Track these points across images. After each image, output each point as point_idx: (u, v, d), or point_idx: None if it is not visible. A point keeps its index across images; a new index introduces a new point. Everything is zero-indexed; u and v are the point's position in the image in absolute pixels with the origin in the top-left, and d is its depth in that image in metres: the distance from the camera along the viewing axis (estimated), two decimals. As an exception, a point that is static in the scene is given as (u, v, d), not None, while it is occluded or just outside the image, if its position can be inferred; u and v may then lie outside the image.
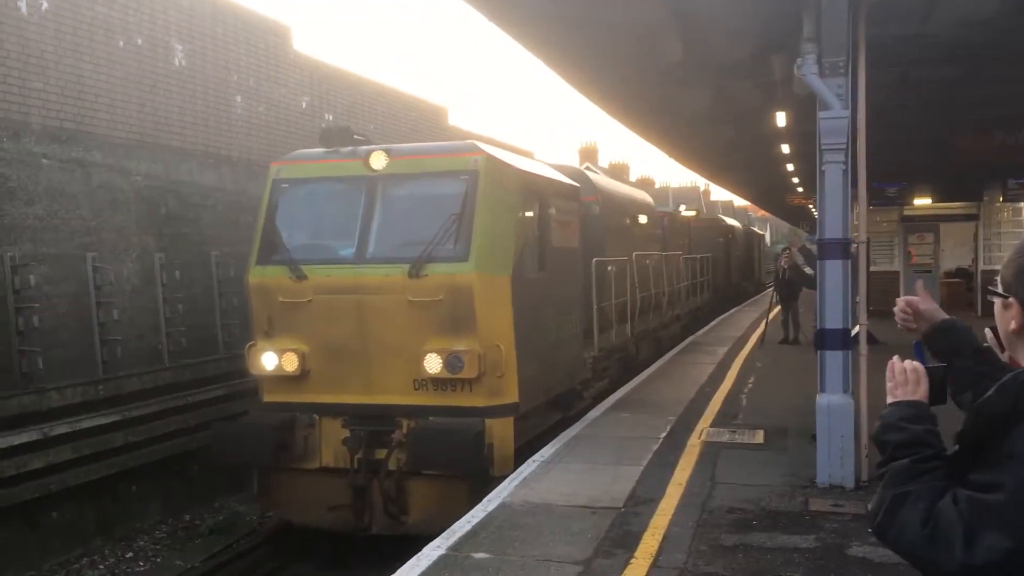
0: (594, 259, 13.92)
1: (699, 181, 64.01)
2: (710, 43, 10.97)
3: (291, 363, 10.26)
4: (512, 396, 10.14)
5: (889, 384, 2.45)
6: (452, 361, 9.78)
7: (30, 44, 12.10)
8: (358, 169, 10.43)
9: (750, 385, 14.65)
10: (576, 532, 7.20)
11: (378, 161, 10.41)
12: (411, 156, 10.45)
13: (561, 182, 12.31)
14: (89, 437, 11.74)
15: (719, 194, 79.17)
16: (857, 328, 8.65)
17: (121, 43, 13.88)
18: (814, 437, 8.63)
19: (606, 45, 11.19)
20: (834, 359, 8.33)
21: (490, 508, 7.98)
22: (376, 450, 10.20)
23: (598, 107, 16.04)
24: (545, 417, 11.57)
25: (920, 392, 2.40)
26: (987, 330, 2.55)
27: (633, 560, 6.55)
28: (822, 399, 8.38)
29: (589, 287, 13.72)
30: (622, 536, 7.11)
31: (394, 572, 6.44)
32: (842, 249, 8.28)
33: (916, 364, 2.44)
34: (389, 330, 10.03)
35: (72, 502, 11.71)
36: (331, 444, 10.36)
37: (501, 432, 9.97)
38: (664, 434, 10.93)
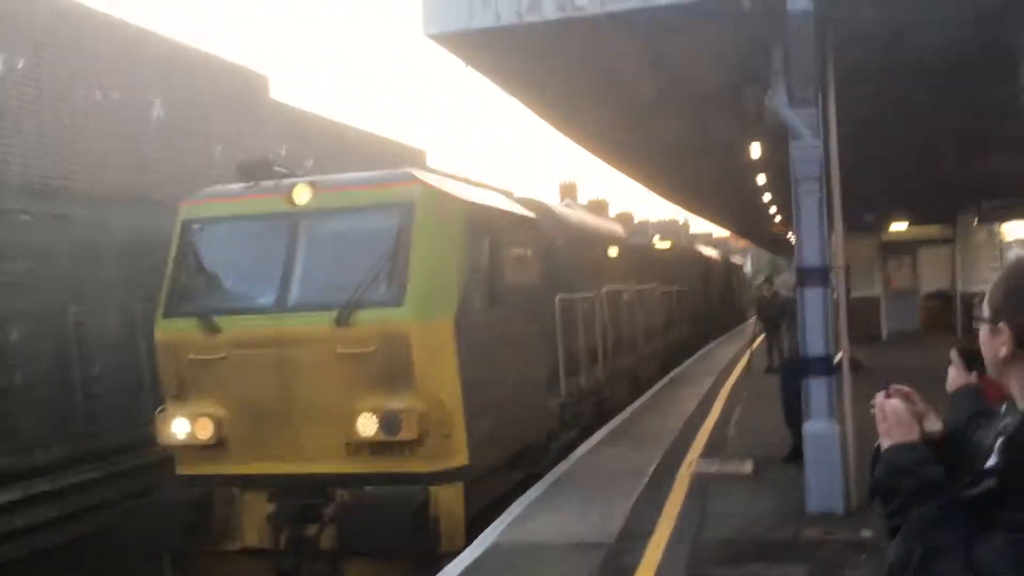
0: (558, 296, 12.65)
1: (679, 215, 64.28)
2: (683, 78, 11.03)
3: (205, 430, 8.89)
4: (461, 458, 8.81)
5: (882, 426, 2.33)
6: (388, 421, 8.44)
7: (7, 100, 12.07)
8: (279, 205, 9.15)
9: (737, 414, 14.40)
10: (568, 571, 7.16)
11: (301, 196, 9.14)
12: (338, 189, 9.18)
13: (515, 213, 11.07)
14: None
15: (699, 226, 78.69)
16: (840, 354, 8.70)
17: (99, 95, 13.69)
18: (788, 459, 9.16)
19: (580, 82, 11.19)
20: (818, 386, 8.31)
21: (480, 550, 7.91)
22: (307, 527, 8.82)
23: (576, 143, 15.93)
24: (505, 477, 10.23)
25: (915, 432, 2.31)
26: (952, 351, 2.66)
27: None
28: (808, 427, 8.36)
29: (553, 327, 12.44)
30: (615, 572, 7.07)
31: None
32: (821, 276, 8.32)
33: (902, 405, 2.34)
34: (316, 387, 8.70)
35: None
36: (255, 521, 8.97)
37: (449, 501, 8.63)
38: (653, 467, 10.76)
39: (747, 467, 10.40)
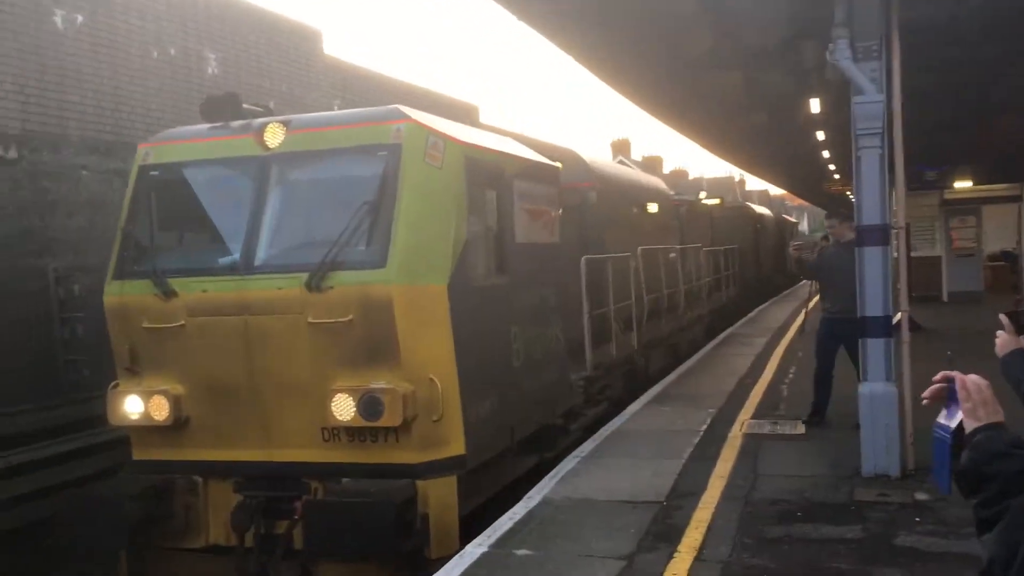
0: (584, 257, 11.22)
1: (734, 172, 63.37)
2: (740, 31, 10.82)
3: (161, 410, 7.67)
4: (455, 446, 7.51)
5: (966, 405, 2.18)
6: (367, 404, 7.15)
7: (66, 58, 12.06)
8: (248, 148, 7.82)
9: (791, 375, 14.14)
10: (618, 527, 7.11)
11: (273, 137, 7.81)
12: (315, 129, 7.82)
13: (531, 160, 9.62)
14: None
15: (755, 184, 76.95)
16: (899, 315, 8.60)
17: (155, 54, 13.68)
18: (856, 426, 8.56)
19: (635, 38, 11.14)
20: (876, 347, 8.22)
21: (531, 505, 7.82)
22: (276, 523, 7.60)
23: (629, 100, 15.70)
24: (512, 466, 8.91)
25: (1001, 412, 2.17)
26: (1001, 315, 2.81)
27: (677, 554, 6.47)
28: (865, 388, 8.29)
29: (579, 292, 11.04)
30: (665, 530, 7.02)
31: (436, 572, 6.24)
32: (881, 235, 8.18)
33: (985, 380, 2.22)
34: (286, 363, 7.42)
35: None
36: (221, 515, 7.76)
37: (440, 497, 7.34)
38: (704, 427, 10.70)
39: (800, 428, 10.33)
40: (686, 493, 8.01)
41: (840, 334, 10.00)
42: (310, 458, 7.52)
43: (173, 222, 8.09)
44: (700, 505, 7.65)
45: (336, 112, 8.26)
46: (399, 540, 6.90)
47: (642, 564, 6.32)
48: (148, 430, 7.83)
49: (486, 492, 8.28)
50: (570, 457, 9.34)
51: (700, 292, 19.66)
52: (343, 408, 7.19)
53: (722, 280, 23.28)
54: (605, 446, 9.91)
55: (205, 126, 8.17)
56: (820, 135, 18.86)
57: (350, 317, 7.16)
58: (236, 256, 7.55)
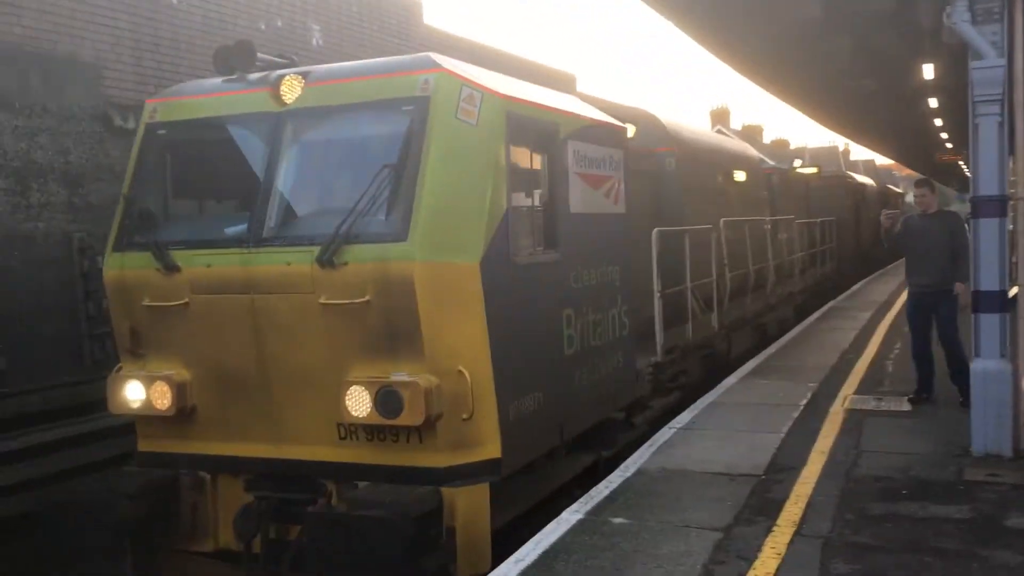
0: (656, 229, 10.05)
1: (839, 141, 61.40)
2: None
3: (163, 398, 6.85)
4: (489, 448, 6.51)
5: None
6: (384, 399, 6.18)
7: (180, 30, 12.52)
8: (262, 104, 6.90)
9: (896, 351, 13.64)
10: (715, 499, 7.00)
11: (290, 91, 6.87)
12: (335, 81, 6.83)
13: (592, 119, 8.47)
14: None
15: (860, 154, 74.16)
16: (1015, 289, 8.25)
17: (263, 26, 14.05)
18: (963, 403, 8.50)
19: (744, 5, 10.97)
20: (990, 322, 7.87)
21: (627, 474, 7.68)
22: (288, 528, 6.74)
23: (731, 68, 15.50)
24: (561, 467, 7.86)
25: None
26: None
27: (775, 528, 6.33)
28: (977, 364, 7.97)
29: (649, 268, 9.90)
30: (763, 504, 6.87)
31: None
32: (998, 207, 7.84)
33: None
34: (296, 348, 6.51)
35: None
36: (231, 516, 6.93)
37: (469, 507, 6.35)
38: (804, 401, 10.43)
39: (905, 404, 9.98)
40: (785, 467, 7.80)
41: (928, 309, 9.71)
42: (325, 457, 6.62)
43: (181, 187, 7.22)
44: (800, 480, 7.44)
45: (363, 62, 7.24)
46: (416, 561, 5.94)
47: (740, 537, 6.18)
48: (152, 420, 7.02)
49: (529, 499, 7.26)
50: (666, 428, 9.22)
51: (792, 268, 18.23)
52: (358, 403, 6.25)
53: (817, 255, 21.71)
54: (701, 418, 9.72)
55: (219, 79, 7.27)
56: (932, 102, 18.35)
57: (367, 298, 6.19)
58: (244, 226, 6.64)
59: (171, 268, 6.71)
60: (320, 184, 6.74)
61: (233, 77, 7.17)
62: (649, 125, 12.12)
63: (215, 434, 6.94)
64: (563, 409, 7.57)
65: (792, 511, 6.69)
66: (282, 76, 6.93)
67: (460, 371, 6.27)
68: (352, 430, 6.48)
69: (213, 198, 7.32)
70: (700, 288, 11.84)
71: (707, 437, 8.87)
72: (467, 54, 19.26)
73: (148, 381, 6.88)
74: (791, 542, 6.06)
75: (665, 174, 12.14)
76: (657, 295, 9.99)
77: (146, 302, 6.82)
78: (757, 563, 5.73)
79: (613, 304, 8.66)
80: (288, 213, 6.63)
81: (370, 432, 6.43)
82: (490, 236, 6.47)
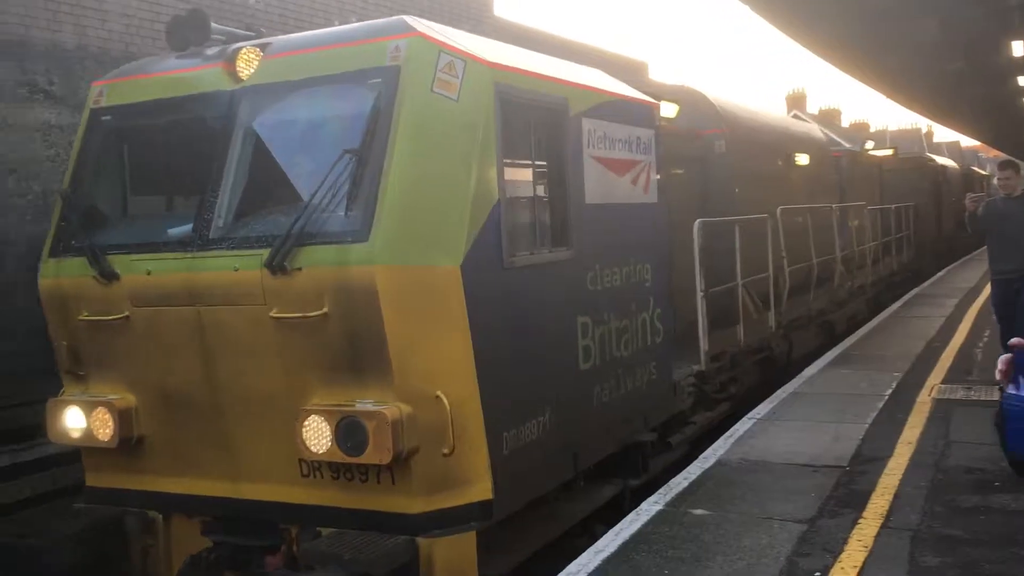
0: (698, 221, 8.83)
1: (922, 123, 59.32)
2: None
3: (104, 427, 5.89)
4: (478, 489, 5.42)
5: None
6: (346, 431, 5.13)
7: (257, 23, 11.85)
8: (215, 81, 5.88)
9: (986, 338, 13.08)
10: (798, 491, 6.77)
11: (246, 65, 5.84)
12: (295, 52, 5.79)
13: (613, 94, 7.29)
14: None
15: (944, 135, 71.53)
16: None
17: (336, 22, 13.76)
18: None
19: None
20: None
21: (706, 465, 7.47)
22: (247, 580, 5.74)
23: (809, 51, 15.11)
24: (576, 501, 6.72)
25: None
26: None
27: (862, 520, 6.09)
28: None
29: (690, 264, 8.70)
30: (848, 495, 6.62)
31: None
32: None
33: None
34: (250, 370, 5.50)
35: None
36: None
37: (451, 560, 5.28)
38: (889, 391, 10.03)
39: (997, 394, 8.94)
40: (871, 458, 7.50)
41: (1012, 295, 9.28)
42: (286, 497, 5.59)
43: (120, 181, 6.24)
44: (886, 471, 7.15)
45: (330, 29, 6.20)
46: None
47: (825, 529, 5.98)
48: (97, 451, 6.07)
49: (536, 542, 6.15)
50: (746, 418, 8.93)
51: (863, 259, 16.74)
52: (317, 436, 5.20)
53: (892, 244, 20.11)
54: (781, 408, 9.39)
55: (172, 57, 6.28)
56: (1022, 80, 17.92)
57: (324, 310, 5.14)
58: (189, 226, 5.64)
59: (109, 276, 5.74)
60: (278, 174, 5.69)
61: (188, 52, 6.17)
62: (696, 104, 10.88)
63: (167, 468, 5.97)
64: (577, 433, 6.44)
65: (879, 503, 6.46)
66: (238, 49, 5.91)
67: (438, 396, 5.18)
68: (315, 467, 5.44)
69: (162, 193, 6.35)
70: (754, 285, 10.57)
71: (788, 428, 8.55)
72: (536, 43, 18.70)
73: (88, 407, 5.93)
74: (878, 535, 5.85)
75: (714, 158, 10.91)
76: (700, 294, 8.77)
77: (83, 316, 5.87)
78: (843, 556, 5.50)
79: (643, 307, 7.49)
80: (240, 210, 5.60)
81: (335, 470, 5.39)
82: (475, 233, 5.36)
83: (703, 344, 8.76)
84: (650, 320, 7.59)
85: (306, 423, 5.21)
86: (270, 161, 5.70)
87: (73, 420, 5.98)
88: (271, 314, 5.24)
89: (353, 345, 5.17)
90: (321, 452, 5.20)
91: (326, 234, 5.15)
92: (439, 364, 5.25)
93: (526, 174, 6.05)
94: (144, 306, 5.69)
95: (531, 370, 5.89)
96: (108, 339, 5.88)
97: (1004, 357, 2.27)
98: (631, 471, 7.30)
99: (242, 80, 5.80)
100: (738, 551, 5.61)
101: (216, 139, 5.72)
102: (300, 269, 5.17)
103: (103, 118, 6.24)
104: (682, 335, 8.90)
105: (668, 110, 9.89)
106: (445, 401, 5.18)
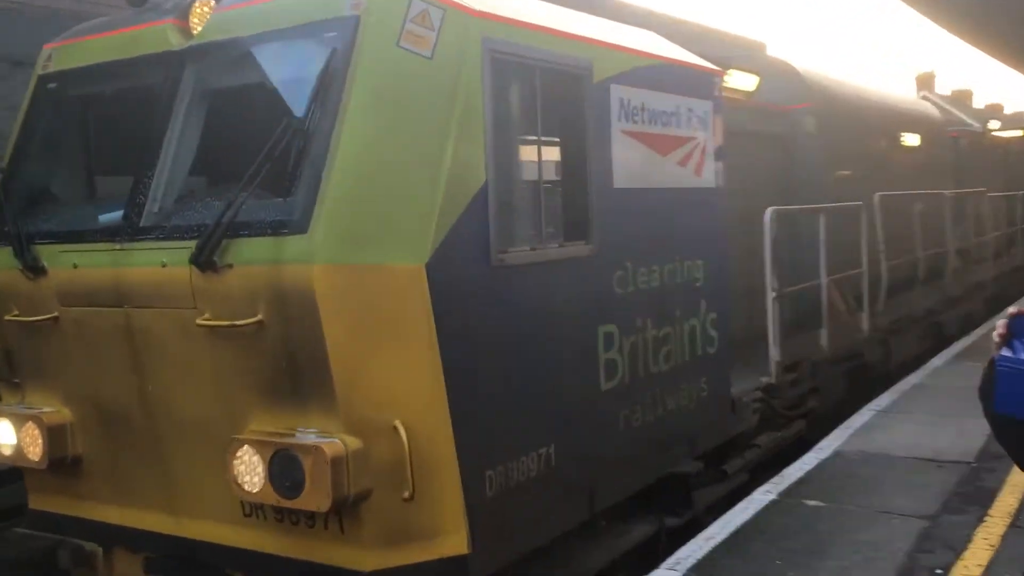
0: (770, 210, 7.56)
1: None
2: None
3: (34, 444, 5.06)
4: (451, 541, 4.38)
5: None
6: (281, 467, 4.15)
7: None
8: (163, 40, 4.95)
9: None
10: (919, 485, 6.53)
11: (199, 20, 4.89)
12: (248, 2, 4.80)
13: (654, 56, 6.09)
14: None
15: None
16: None
17: None
18: None
19: None
20: None
21: (822, 456, 7.22)
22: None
23: (942, 27, 14.76)
24: (596, 547, 5.58)
25: None
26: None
27: (988, 518, 5.85)
28: None
29: (758, 258, 7.47)
30: (973, 492, 6.37)
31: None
32: None
33: None
34: (183, 386, 4.58)
35: None
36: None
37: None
38: None
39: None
40: (999, 455, 6.94)
41: None
42: (230, 539, 4.66)
43: (59, 158, 5.37)
44: (1015, 469, 6.65)
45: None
46: None
47: (948, 526, 5.77)
48: (36, 471, 5.25)
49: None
50: (865, 409, 8.65)
51: (982, 252, 14.99)
52: (249, 472, 4.24)
53: (1018, 235, 18.17)
54: (903, 401, 9.12)
55: (128, 14, 5.37)
56: None
57: (258, 317, 4.16)
58: (121, 211, 4.74)
59: (34, 269, 4.89)
60: (223, 150, 4.74)
61: (145, 8, 5.26)
62: (781, 75, 9.57)
63: (108, 496, 5.11)
64: (596, 466, 5.33)
65: (1007, 501, 6.20)
66: (193, 1, 4.96)
67: (395, 427, 4.16)
68: (257, 506, 4.48)
69: (103, 172, 5.46)
70: (844, 283, 9.22)
71: (910, 421, 8.32)
72: (651, 23, 17.55)
73: (19, 421, 5.10)
74: (1006, 534, 5.61)
75: (801, 137, 9.58)
76: (771, 296, 7.51)
77: (11, 315, 5.04)
78: (967, 554, 5.30)
79: (692, 312, 6.30)
80: (173, 192, 4.67)
81: (279, 511, 4.41)
82: (449, 224, 4.30)
83: (773, 353, 7.50)
84: (701, 327, 6.40)
85: (237, 455, 4.25)
86: (214, 134, 4.75)
87: (4, 435, 5.17)
88: (197, 321, 4.29)
89: (292, 362, 4.18)
90: (255, 491, 4.23)
91: (260, 224, 4.17)
92: (398, 387, 4.21)
93: (528, 152, 4.95)
94: (72, 306, 4.83)
95: (530, 392, 4.81)
96: (39, 343, 5.05)
97: (1002, 322, 2.55)
98: (670, 506, 6.12)
99: (192, 37, 4.86)
100: (854, 544, 5.46)
101: (156, 108, 4.80)
102: (231, 266, 4.20)
103: (49, 86, 5.39)
104: (754, 341, 7.69)
105: (746, 82, 8.67)
106: (403, 433, 4.14)
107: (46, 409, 5.08)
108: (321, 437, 4.12)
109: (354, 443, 4.09)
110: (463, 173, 4.37)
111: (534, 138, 4.93)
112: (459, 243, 4.34)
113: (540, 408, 4.89)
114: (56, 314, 4.89)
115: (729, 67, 7.91)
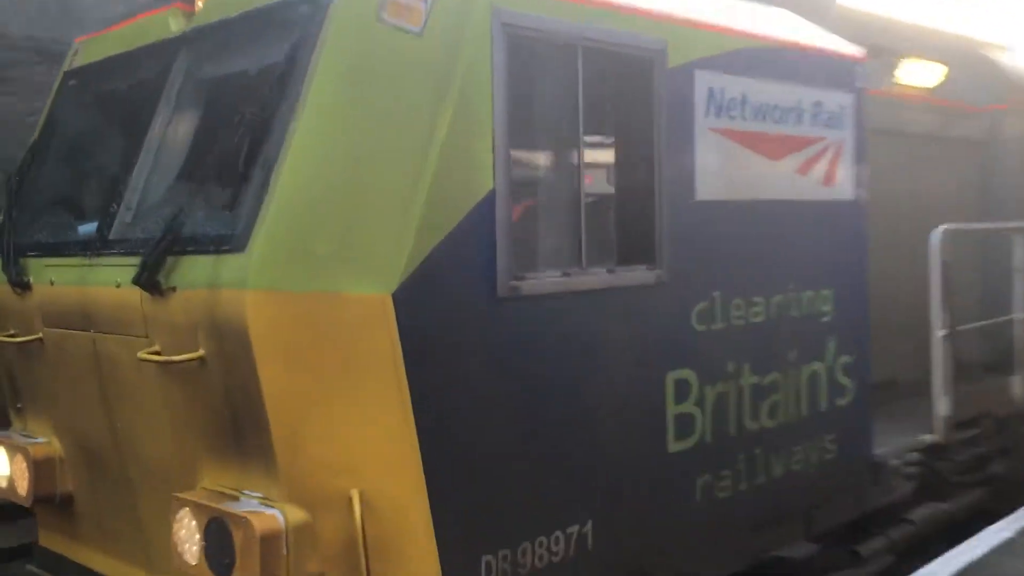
0: (940, 229, 6.15)
1: None
2: None
3: (21, 477, 4.57)
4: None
5: None
6: (215, 538, 3.38)
7: None
8: (163, 27, 4.35)
9: None
10: None
11: (200, 3, 4.25)
12: None
13: (765, 38, 4.92)
14: None
15: None
16: None
17: None
18: None
19: None
20: None
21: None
22: None
23: None
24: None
25: None
26: None
27: None
28: None
29: (905, 283, 6.09)
30: None
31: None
32: None
33: None
34: (146, 425, 3.92)
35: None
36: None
37: None
38: None
39: None
40: None
41: None
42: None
43: (79, 161, 4.87)
44: None
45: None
46: None
47: None
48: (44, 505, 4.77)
49: None
50: None
51: None
52: (188, 539, 3.50)
53: None
54: None
55: None
56: None
57: (199, 352, 3.42)
58: (97, 221, 4.15)
59: (20, 284, 4.39)
60: (198, 150, 4.05)
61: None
62: (974, 67, 8.02)
63: (96, 540, 4.55)
64: (655, 550, 4.26)
65: None
66: (199, -17, 4.32)
67: (351, 498, 3.30)
68: (216, 574, 3.74)
69: (88, 176, 4.91)
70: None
71: None
72: (883, 32, 16.34)
73: (11, 452, 4.63)
74: None
75: (1000, 144, 7.98)
76: (939, 334, 6.09)
77: (3, 335, 4.57)
78: None
79: (814, 353, 5.08)
80: (155, 199, 4.03)
81: (231, 585, 3.65)
82: (434, 241, 3.40)
83: (940, 407, 6.08)
84: (827, 372, 5.16)
85: (178, 517, 3.52)
86: (198, 131, 4.07)
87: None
88: (138, 355, 3.60)
89: (233, 409, 3.41)
90: (192, 564, 3.49)
91: (205, 239, 3.43)
92: (356, 447, 3.36)
93: (565, 153, 3.97)
94: (52, 327, 4.29)
95: (555, 455, 3.83)
96: (31, 366, 4.56)
97: None
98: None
99: (192, 21, 4.22)
100: None
101: (144, 104, 4.19)
102: (174, 290, 3.49)
103: (70, 83, 4.93)
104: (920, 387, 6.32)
105: (926, 75, 7.26)
106: (356, 506, 3.28)
107: (39, 440, 4.58)
108: (263, 505, 3.33)
109: (297, 516, 3.27)
110: (457, 178, 3.47)
111: (575, 137, 3.94)
112: (448, 266, 3.43)
113: (571, 475, 3.89)
114: (40, 335, 4.37)
115: (897, 54, 6.57)
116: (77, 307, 4.05)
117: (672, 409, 4.30)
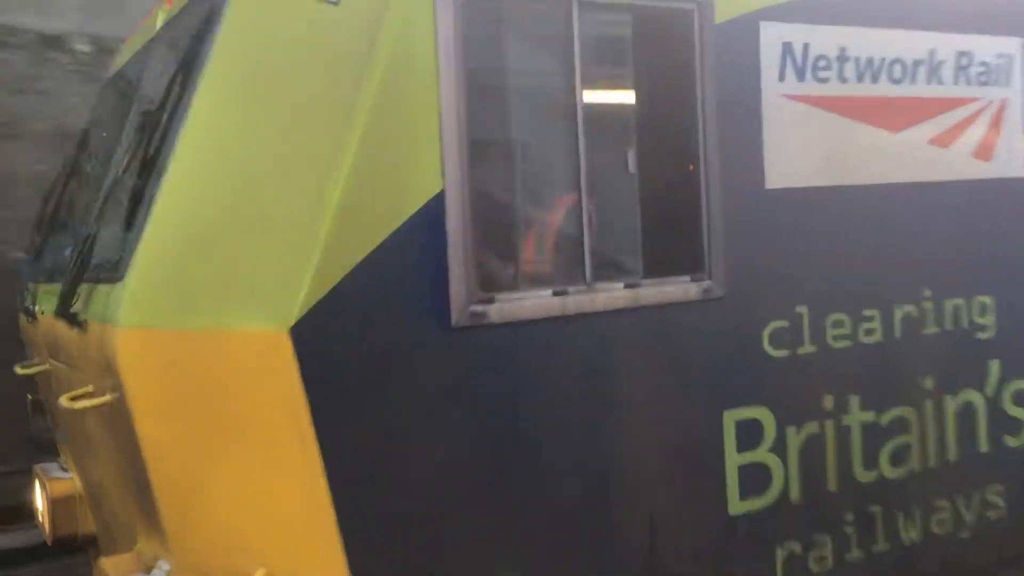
0: None
1: None
2: None
3: (44, 512, 4.33)
4: None
5: None
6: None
7: None
8: (150, 28, 3.96)
9: None
10: None
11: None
12: None
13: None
14: None
15: None
16: None
17: None
18: None
19: None
20: None
21: None
22: None
23: None
24: None
25: None
26: None
27: None
28: None
29: None
30: None
31: None
32: None
33: None
34: (100, 471, 3.52)
35: None
36: None
37: None
38: None
39: None
40: None
41: None
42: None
43: (83, 175, 4.57)
44: None
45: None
46: None
47: None
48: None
49: None
50: None
51: None
52: (107, 609, 3.03)
53: None
54: None
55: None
56: None
57: (106, 396, 2.94)
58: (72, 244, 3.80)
59: (29, 313, 4.14)
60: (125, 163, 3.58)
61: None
62: None
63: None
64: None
65: None
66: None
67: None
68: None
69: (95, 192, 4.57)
70: None
71: None
72: None
73: (41, 485, 4.40)
74: None
75: None
76: None
77: (20, 366, 4.35)
78: None
79: (967, 380, 3.90)
80: (95, 218, 3.60)
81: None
82: (349, 263, 2.71)
83: None
84: (989, 404, 3.95)
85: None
86: (128, 141, 3.61)
87: (36, 499, 4.51)
88: (60, 398, 3.17)
89: (133, 466, 2.89)
90: (112, 638, 3.01)
91: (106, 264, 2.95)
92: (259, 516, 2.73)
93: (558, 137, 3.13)
94: (52, 358, 3.99)
95: (545, 532, 3.02)
96: (50, 398, 4.30)
97: None
98: None
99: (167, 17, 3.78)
100: None
101: (125, 110, 3.79)
102: (85, 323, 3.03)
103: (101, 90, 4.67)
104: None
105: None
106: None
107: (65, 475, 4.32)
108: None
109: (185, 594, 2.70)
110: (382, 183, 2.76)
111: (571, 116, 3.10)
112: (370, 293, 2.73)
113: (568, 547, 3.06)
114: (48, 365, 4.09)
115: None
116: (53, 339, 3.71)
117: (734, 459, 3.35)
